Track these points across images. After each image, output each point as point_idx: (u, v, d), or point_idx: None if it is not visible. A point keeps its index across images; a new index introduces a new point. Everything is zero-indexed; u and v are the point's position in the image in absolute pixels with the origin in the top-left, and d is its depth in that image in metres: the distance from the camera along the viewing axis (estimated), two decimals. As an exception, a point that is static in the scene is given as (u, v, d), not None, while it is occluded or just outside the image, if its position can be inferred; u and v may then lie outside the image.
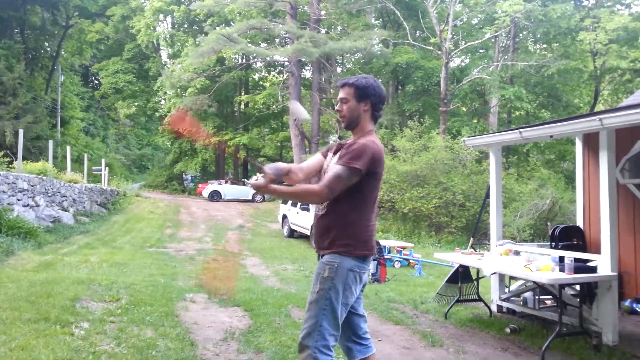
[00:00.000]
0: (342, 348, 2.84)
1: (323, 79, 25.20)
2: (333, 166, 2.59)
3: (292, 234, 15.77)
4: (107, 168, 23.61)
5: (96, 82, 44.17)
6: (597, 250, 4.92)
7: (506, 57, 25.14)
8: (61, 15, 34.58)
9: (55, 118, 33.23)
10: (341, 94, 2.72)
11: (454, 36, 23.62)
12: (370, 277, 8.74)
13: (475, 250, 6.47)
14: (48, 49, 36.87)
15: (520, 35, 26.61)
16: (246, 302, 5.73)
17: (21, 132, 13.34)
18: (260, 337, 4.43)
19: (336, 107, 2.82)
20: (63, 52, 36.78)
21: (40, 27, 34.37)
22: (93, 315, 4.77)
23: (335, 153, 2.76)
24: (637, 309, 5.66)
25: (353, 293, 2.62)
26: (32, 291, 5.45)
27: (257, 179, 2.56)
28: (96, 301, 5.34)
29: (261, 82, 35.39)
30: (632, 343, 4.65)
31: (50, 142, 17.72)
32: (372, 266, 8.80)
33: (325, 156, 2.87)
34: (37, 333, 4.02)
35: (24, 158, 14.08)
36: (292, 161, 22.83)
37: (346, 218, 2.59)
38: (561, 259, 4.63)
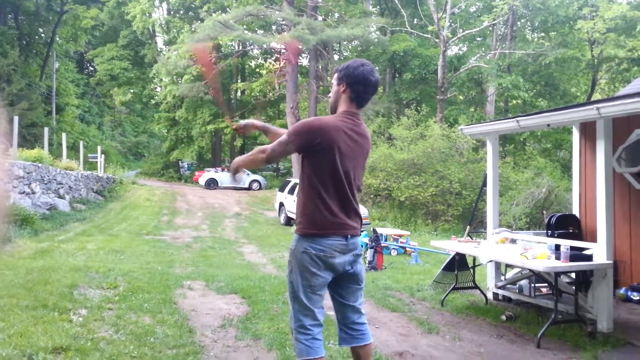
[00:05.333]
0: None
1: (320, 67, 25.04)
2: None
3: (289, 221, 15.79)
4: (103, 155, 23.53)
5: (91, 68, 43.85)
6: (593, 239, 4.95)
7: (504, 45, 25.09)
8: (55, 0, 34.19)
9: (50, 105, 33.02)
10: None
11: (452, 24, 23.52)
12: (367, 264, 8.78)
13: (472, 239, 6.50)
14: (42, 35, 36.53)
15: (518, 23, 26.51)
16: (244, 290, 5.76)
17: (16, 118, 13.25)
18: (258, 323, 4.46)
19: None
20: (58, 38, 36.42)
21: (34, 12, 33.98)
22: (91, 302, 4.78)
23: None
24: (631, 296, 5.70)
25: (315, 275, 2.54)
26: (29, 278, 5.46)
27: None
28: (94, 288, 5.34)
29: (258, 70, 35.19)
30: (627, 330, 4.69)
31: (46, 129, 17.64)
32: (368, 254, 8.84)
33: None
34: (35, 320, 4.03)
35: (19, 145, 13.99)
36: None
37: (302, 199, 2.63)
38: (557, 247, 4.67)
